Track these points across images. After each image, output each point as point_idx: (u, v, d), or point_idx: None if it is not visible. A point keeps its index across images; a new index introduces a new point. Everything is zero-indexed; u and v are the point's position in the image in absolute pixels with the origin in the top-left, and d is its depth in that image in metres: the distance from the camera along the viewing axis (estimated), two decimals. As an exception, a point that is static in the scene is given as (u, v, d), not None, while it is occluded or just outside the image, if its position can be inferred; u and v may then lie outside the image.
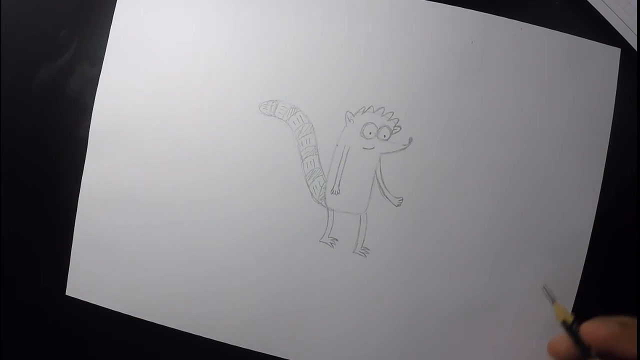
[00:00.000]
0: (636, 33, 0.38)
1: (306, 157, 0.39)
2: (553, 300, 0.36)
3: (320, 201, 0.39)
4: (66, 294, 0.40)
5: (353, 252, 0.38)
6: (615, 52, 0.38)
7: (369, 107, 0.39)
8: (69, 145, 0.40)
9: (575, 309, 0.37)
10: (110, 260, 0.40)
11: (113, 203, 0.40)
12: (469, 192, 0.38)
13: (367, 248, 0.38)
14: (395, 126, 0.38)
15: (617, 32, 0.38)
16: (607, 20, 0.38)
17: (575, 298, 0.37)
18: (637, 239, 0.38)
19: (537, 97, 0.38)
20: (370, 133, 0.38)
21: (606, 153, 0.38)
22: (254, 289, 0.39)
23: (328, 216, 0.39)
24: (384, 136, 0.38)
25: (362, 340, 0.38)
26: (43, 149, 0.41)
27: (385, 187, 0.38)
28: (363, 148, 0.39)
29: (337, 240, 0.38)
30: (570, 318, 0.34)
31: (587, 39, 0.38)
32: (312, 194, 0.39)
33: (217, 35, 0.40)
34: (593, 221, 0.38)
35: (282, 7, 0.39)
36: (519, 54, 0.38)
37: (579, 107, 0.38)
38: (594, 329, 0.32)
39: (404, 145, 0.38)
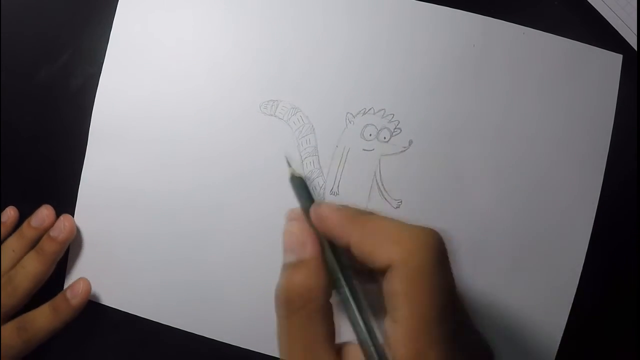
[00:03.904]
0: (636, 33, 0.38)
1: (306, 157, 0.39)
2: (289, 164, 0.30)
3: (319, 202, 0.39)
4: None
5: (352, 253, 0.39)
6: (617, 58, 0.38)
7: (370, 109, 0.38)
8: (68, 144, 0.40)
9: (574, 310, 0.38)
10: (109, 257, 0.40)
11: (112, 202, 0.40)
12: (468, 195, 0.38)
13: (365, 249, 0.38)
14: (395, 128, 0.38)
15: (617, 32, 0.38)
16: (606, 20, 0.38)
17: (574, 299, 0.38)
18: (637, 243, 0.38)
19: (538, 101, 0.38)
20: (370, 135, 0.38)
21: (606, 158, 0.38)
22: (254, 289, 0.39)
23: (327, 217, 0.39)
24: (384, 138, 0.38)
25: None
26: (43, 148, 0.40)
27: (384, 189, 0.38)
28: (363, 149, 0.39)
29: (336, 241, 0.39)
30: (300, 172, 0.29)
31: (589, 45, 0.38)
32: (311, 194, 0.39)
33: (218, 34, 0.39)
34: (592, 225, 0.38)
35: (284, 8, 0.39)
36: (520, 58, 0.38)
37: (580, 112, 0.38)
38: (328, 211, 0.26)
39: (404, 147, 0.38)
